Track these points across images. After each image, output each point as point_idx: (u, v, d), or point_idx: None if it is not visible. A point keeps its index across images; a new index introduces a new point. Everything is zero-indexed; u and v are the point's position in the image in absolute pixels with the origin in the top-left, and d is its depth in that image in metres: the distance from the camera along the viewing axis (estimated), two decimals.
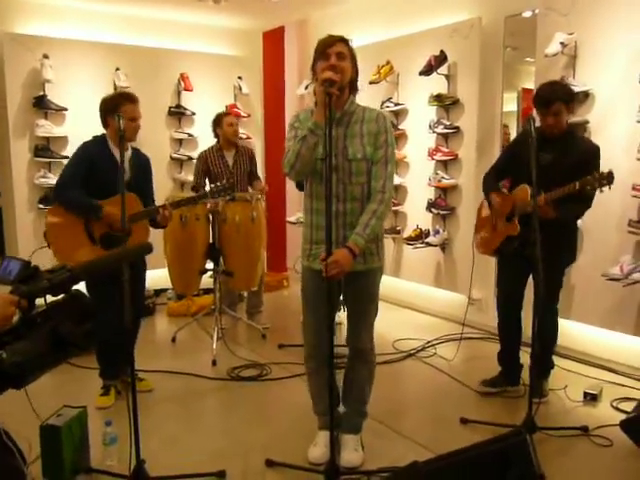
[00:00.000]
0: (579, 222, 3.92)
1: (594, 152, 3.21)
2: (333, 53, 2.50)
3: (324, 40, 2.56)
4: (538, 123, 3.13)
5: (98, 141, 3.45)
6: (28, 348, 1.28)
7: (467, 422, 3.22)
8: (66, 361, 1.36)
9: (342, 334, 2.88)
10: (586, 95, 3.96)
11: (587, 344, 4.11)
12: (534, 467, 2.30)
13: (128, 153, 3.45)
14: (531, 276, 3.42)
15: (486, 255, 3.72)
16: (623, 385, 3.68)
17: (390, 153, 2.63)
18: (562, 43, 3.94)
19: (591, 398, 3.49)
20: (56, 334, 1.33)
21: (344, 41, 2.56)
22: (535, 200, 2.79)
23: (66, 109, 5.26)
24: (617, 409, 3.38)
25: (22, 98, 5.23)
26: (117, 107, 3.28)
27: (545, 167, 2.97)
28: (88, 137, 3.49)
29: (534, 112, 3.28)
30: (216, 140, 4.98)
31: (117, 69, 5.59)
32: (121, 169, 2.68)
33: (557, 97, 3.14)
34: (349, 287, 2.71)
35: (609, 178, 2.89)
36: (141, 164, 3.56)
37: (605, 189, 2.92)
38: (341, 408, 2.91)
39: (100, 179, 3.33)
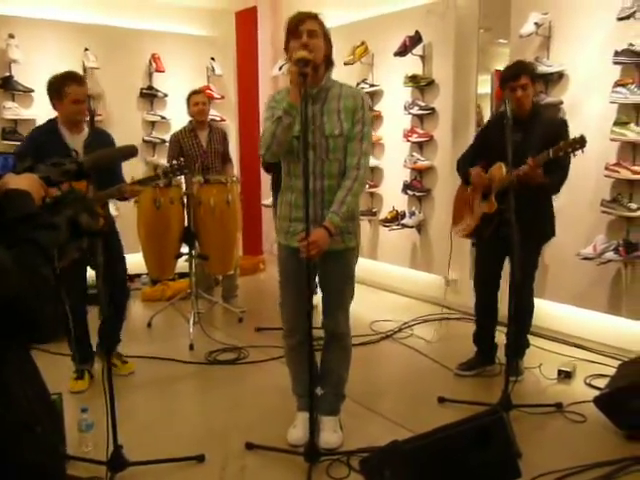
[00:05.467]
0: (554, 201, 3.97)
1: (560, 125, 3.26)
2: (305, 31, 2.46)
3: (294, 17, 2.52)
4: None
5: (48, 126, 3.31)
6: (60, 234, 1.26)
7: (444, 401, 3.26)
8: (81, 251, 1.35)
9: (318, 316, 2.86)
10: (560, 75, 3.98)
11: (561, 323, 4.17)
12: (512, 444, 2.33)
13: (83, 134, 3.31)
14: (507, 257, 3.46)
15: (464, 238, 3.73)
16: (596, 362, 3.74)
17: (366, 130, 2.62)
18: (536, 23, 3.95)
19: (565, 376, 3.55)
20: (74, 223, 1.32)
21: (314, 17, 2.52)
22: (511, 178, 2.80)
23: (33, 90, 5.12)
24: (590, 386, 3.44)
25: None
26: (61, 89, 3.17)
27: (515, 146, 2.99)
28: None
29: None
30: (189, 120, 4.90)
31: (86, 49, 5.45)
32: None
33: (524, 71, 3.21)
34: (326, 267, 2.70)
35: (581, 142, 2.89)
36: (101, 145, 3.38)
37: (578, 153, 2.92)
38: (319, 390, 2.91)
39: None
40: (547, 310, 4.13)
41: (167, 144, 5.42)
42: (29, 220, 1.18)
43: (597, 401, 3.00)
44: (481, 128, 3.65)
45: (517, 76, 3.20)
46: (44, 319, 1.10)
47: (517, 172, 3.00)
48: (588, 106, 3.86)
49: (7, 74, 5.10)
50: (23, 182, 1.27)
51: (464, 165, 3.51)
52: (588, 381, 3.50)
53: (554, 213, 3.42)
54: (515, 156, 2.86)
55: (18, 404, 1.17)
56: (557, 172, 3.13)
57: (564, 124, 3.27)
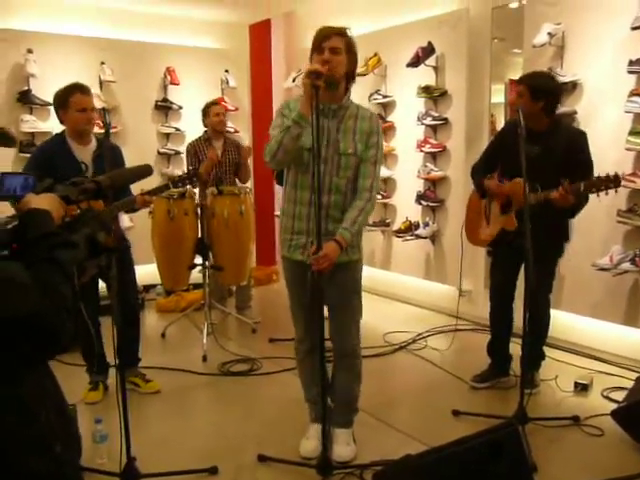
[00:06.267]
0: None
1: (581, 138, 3.22)
2: (327, 48, 2.47)
3: (320, 33, 2.51)
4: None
5: (56, 139, 3.33)
6: (79, 252, 1.29)
7: (459, 414, 3.23)
8: (99, 268, 1.38)
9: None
10: (574, 85, 3.96)
11: (577, 334, 4.12)
12: (527, 458, 2.30)
13: (91, 147, 3.33)
14: (523, 267, 3.43)
15: (479, 247, 3.70)
16: (613, 375, 3.70)
17: (380, 154, 2.66)
18: (549, 33, 3.93)
19: (582, 388, 3.50)
20: (92, 240, 1.35)
21: (341, 34, 2.51)
22: (526, 195, 2.77)
23: (50, 104, 5.18)
24: (608, 398, 3.40)
25: (6, 93, 5.17)
26: (66, 99, 3.19)
27: (534, 159, 2.96)
28: None
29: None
30: (204, 130, 4.95)
31: (102, 63, 5.53)
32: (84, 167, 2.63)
33: (523, 81, 3.22)
34: (331, 280, 2.65)
35: (616, 182, 2.82)
36: (110, 158, 3.35)
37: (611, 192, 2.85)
38: (331, 403, 2.89)
39: (62, 179, 3.22)
40: (563, 321, 4.09)
41: (182, 155, 5.49)
42: (49, 239, 1.20)
43: (615, 414, 2.96)
44: (494, 136, 3.63)
45: (517, 81, 3.26)
46: (64, 336, 1.11)
47: (546, 196, 2.98)
48: (603, 116, 3.83)
49: (25, 88, 5.18)
50: (44, 202, 1.30)
51: (478, 173, 3.50)
52: (605, 394, 3.45)
53: (569, 228, 3.40)
54: (534, 169, 2.83)
55: (39, 423, 1.18)
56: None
57: (584, 138, 3.21)
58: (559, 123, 3.32)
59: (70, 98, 3.19)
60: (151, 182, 4.16)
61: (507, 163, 3.31)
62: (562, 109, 3.95)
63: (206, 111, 4.89)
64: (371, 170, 2.62)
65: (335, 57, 2.47)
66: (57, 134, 3.37)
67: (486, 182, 3.41)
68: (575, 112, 3.95)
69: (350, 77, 2.60)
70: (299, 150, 2.55)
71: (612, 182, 2.83)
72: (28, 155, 5.12)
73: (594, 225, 3.88)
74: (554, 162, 3.08)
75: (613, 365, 3.84)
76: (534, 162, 2.87)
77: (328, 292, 2.69)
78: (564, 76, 3.92)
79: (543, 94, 3.14)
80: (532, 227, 2.69)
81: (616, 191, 2.86)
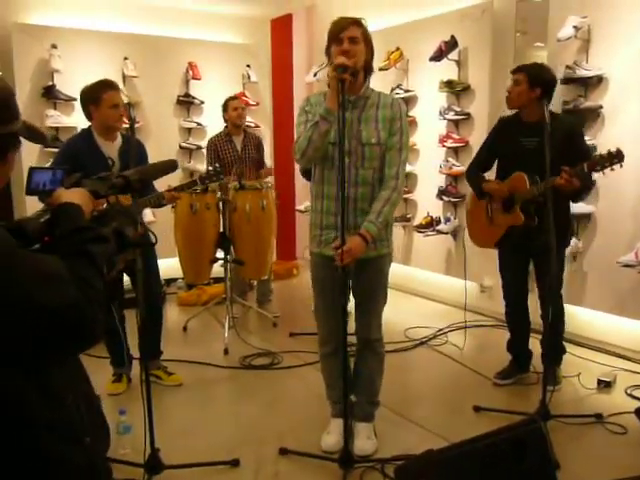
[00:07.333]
0: (593, 208, 3.90)
1: (577, 126, 3.21)
2: (346, 38, 2.47)
3: (337, 23, 2.52)
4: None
5: (83, 135, 3.36)
6: (110, 246, 1.30)
7: (480, 410, 3.22)
8: (127, 262, 1.42)
9: (352, 323, 2.86)
10: (599, 79, 3.90)
11: (601, 331, 4.07)
12: (551, 455, 2.29)
13: (117, 143, 3.35)
14: (532, 264, 3.41)
15: (486, 248, 3.67)
16: (637, 372, 3.66)
17: (405, 140, 2.62)
18: (575, 27, 3.88)
19: (605, 385, 3.47)
20: (120, 234, 1.36)
21: (357, 24, 2.52)
22: (548, 188, 2.74)
23: (75, 99, 5.23)
24: (631, 396, 3.36)
25: (31, 88, 5.23)
26: (98, 95, 3.22)
27: (532, 151, 2.94)
28: None
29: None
30: (224, 126, 4.98)
31: (125, 58, 5.57)
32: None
33: (523, 69, 3.21)
34: (360, 274, 2.69)
35: (619, 156, 2.79)
36: (135, 153, 3.31)
37: (616, 167, 2.83)
38: (353, 397, 2.90)
39: (90, 175, 3.23)
40: (586, 318, 4.05)
41: (203, 150, 5.52)
42: (82, 232, 1.22)
43: (638, 412, 2.93)
44: (489, 134, 3.57)
45: (515, 70, 3.26)
46: (97, 329, 1.12)
47: (551, 183, 2.90)
48: (628, 111, 3.77)
49: (50, 83, 5.24)
50: (75, 196, 1.32)
51: (474, 179, 3.47)
52: (629, 391, 3.42)
53: (570, 220, 3.39)
54: (533, 160, 2.79)
55: (67, 408, 1.20)
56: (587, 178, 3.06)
57: (579, 125, 3.21)
58: (552, 112, 3.27)
59: (103, 95, 3.22)
60: (173, 177, 4.21)
61: (505, 159, 3.31)
62: (587, 103, 3.91)
63: (225, 106, 4.94)
64: (396, 157, 2.59)
65: (354, 47, 2.48)
66: (84, 130, 3.39)
67: (485, 185, 3.39)
68: (600, 107, 3.88)
69: (368, 67, 2.59)
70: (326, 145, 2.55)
71: (615, 157, 2.80)
72: (53, 150, 5.21)
73: (618, 221, 3.83)
74: (552, 152, 3.03)
75: (637, 363, 3.79)
76: (532, 154, 2.83)
77: (356, 285, 2.71)
78: (589, 70, 3.87)
79: (540, 83, 3.15)
80: (539, 220, 2.67)
81: (621, 166, 2.81)
